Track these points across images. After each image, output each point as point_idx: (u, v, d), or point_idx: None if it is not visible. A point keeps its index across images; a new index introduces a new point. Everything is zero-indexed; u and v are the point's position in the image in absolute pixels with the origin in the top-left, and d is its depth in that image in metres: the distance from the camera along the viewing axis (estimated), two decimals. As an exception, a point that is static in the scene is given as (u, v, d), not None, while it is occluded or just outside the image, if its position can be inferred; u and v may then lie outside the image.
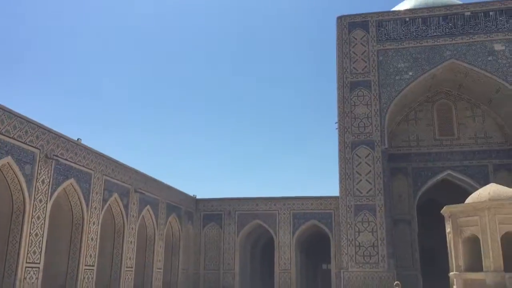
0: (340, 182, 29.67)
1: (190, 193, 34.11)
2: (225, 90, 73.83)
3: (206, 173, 68.59)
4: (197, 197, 34.82)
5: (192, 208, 34.11)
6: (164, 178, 29.69)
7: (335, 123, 31.00)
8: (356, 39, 31.77)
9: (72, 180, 20.34)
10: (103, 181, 22.79)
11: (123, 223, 24.55)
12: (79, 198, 20.95)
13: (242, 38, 74.25)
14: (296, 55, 73.96)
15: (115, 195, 23.83)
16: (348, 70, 31.22)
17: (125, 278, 24.43)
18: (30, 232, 17.61)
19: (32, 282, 17.60)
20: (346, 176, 29.58)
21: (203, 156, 71.67)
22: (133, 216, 25.50)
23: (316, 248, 38.29)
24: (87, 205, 21.35)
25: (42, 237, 18.33)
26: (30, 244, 17.58)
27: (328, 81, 68.46)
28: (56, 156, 19.13)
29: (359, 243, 28.35)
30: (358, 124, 30.28)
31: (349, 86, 30.91)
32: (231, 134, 71.85)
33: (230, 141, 72.33)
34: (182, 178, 70.61)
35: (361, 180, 29.38)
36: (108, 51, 70.30)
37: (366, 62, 31.22)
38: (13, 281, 16.75)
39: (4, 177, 17.08)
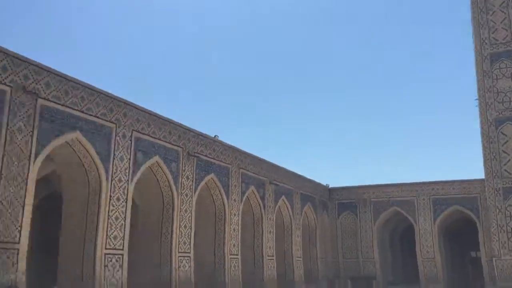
0: (485, 163, 27.48)
1: (323, 182, 34.20)
2: (354, 74, 72.26)
3: (337, 161, 67.99)
4: (330, 186, 34.77)
5: (326, 197, 34.12)
6: (295, 168, 30.10)
7: (475, 99, 28.74)
8: (494, 6, 29.03)
9: (212, 175, 21.50)
10: (240, 174, 23.75)
11: (261, 214, 25.39)
12: (219, 191, 22.10)
13: (366, 23, 71.89)
14: (428, 31, 69.68)
15: (252, 187, 24.70)
16: (487, 41, 28.64)
17: (268, 267, 25.28)
18: (179, 224, 19.01)
19: (186, 270, 19.02)
20: (491, 156, 27.30)
21: (333, 144, 71.21)
22: (269, 206, 26.25)
23: (461, 235, 35.86)
24: (227, 198, 22.43)
25: (191, 229, 19.65)
26: (180, 235, 18.97)
27: (465, 55, 63.13)
28: (197, 153, 20.40)
29: (512, 229, 26.03)
30: (503, 98, 27.68)
31: (489, 59, 28.35)
32: (361, 119, 70.20)
33: (360, 126, 70.64)
34: (313, 168, 70.93)
35: (509, 160, 26.95)
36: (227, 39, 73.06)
37: (507, 31, 28.42)
38: (169, 270, 18.25)
39: (154, 175, 18.62)
